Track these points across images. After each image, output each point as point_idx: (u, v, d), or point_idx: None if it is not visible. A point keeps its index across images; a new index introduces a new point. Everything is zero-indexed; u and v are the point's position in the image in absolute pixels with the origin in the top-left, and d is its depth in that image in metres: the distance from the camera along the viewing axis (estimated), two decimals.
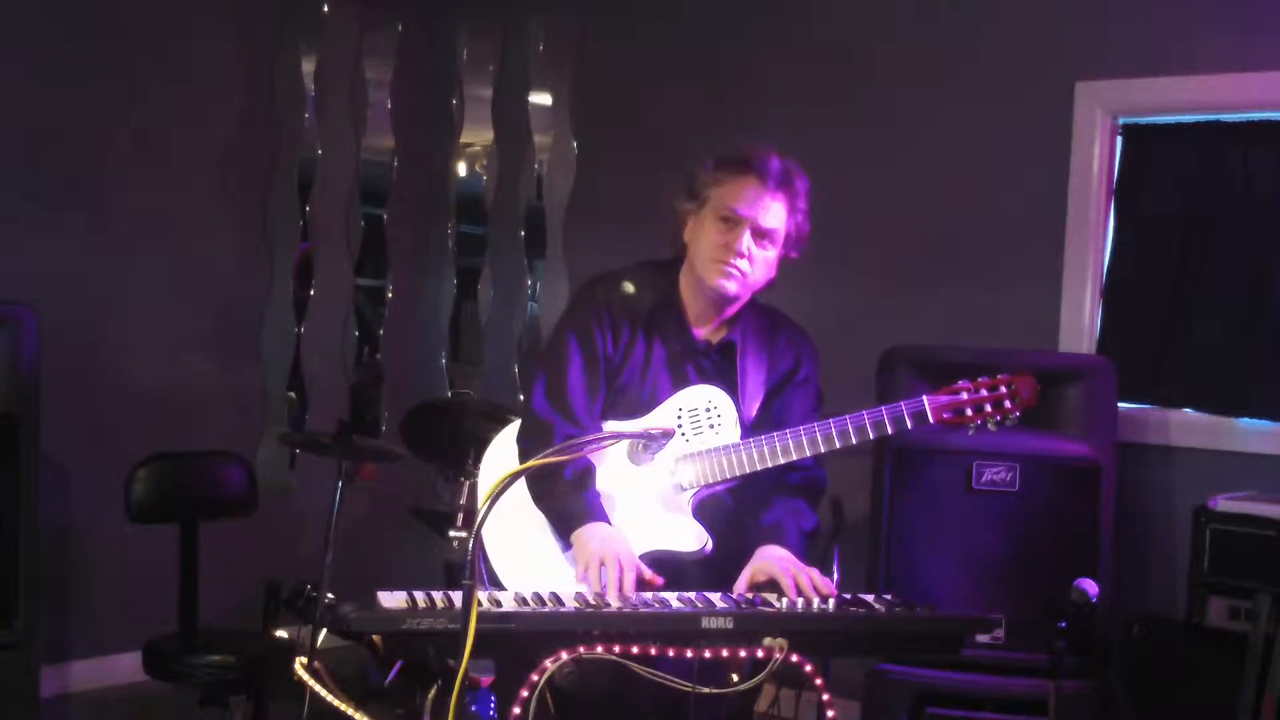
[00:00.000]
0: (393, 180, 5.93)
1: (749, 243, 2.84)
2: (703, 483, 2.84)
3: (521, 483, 2.85)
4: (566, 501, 2.81)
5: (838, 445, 2.79)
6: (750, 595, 2.69)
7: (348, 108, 5.76)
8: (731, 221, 2.84)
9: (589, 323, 2.93)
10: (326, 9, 5.63)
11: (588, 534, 2.74)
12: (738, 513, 2.93)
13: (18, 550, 3.96)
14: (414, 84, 5.97)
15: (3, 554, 3.94)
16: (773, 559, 2.74)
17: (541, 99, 5.85)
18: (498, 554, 2.85)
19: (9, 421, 3.94)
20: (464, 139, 6.05)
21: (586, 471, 2.85)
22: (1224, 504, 3.85)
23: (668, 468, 2.87)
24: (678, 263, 2.99)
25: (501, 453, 3.05)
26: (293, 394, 5.67)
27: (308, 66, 5.57)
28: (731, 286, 2.87)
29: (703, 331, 2.96)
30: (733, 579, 2.75)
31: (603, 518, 2.78)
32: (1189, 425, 4.32)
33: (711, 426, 2.86)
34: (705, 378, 2.92)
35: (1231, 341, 4.23)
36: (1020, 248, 4.61)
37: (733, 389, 2.90)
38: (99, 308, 4.97)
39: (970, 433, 2.81)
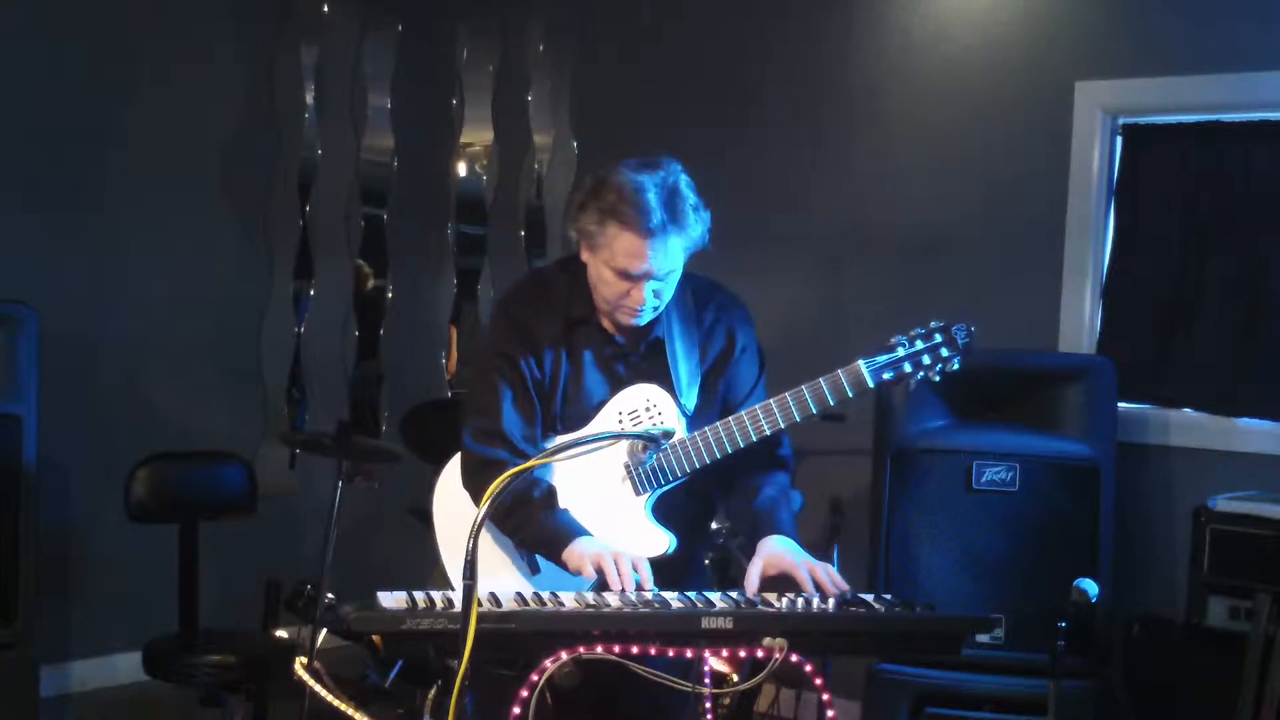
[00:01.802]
0: (393, 180, 5.94)
1: (650, 287, 2.72)
2: (654, 484, 2.78)
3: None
4: (545, 526, 2.75)
5: (781, 425, 2.71)
6: (751, 595, 2.69)
7: (348, 108, 5.76)
8: (626, 276, 2.70)
9: (510, 349, 2.83)
10: (326, 9, 5.63)
11: (581, 546, 2.69)
12: (694, 502, 2.88)
13: (18, 550, 3.96)
14: (414, 84, 5.97)
15: (3, 554, 3.94)
16: (783, 553, 2.71)
17: (541, 99, 5.85)
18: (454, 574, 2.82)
19: (9, 421, 3.94)
20: (464, 139, 6.05)
21: (552, 492, 2.80)
22: (1224, 504, 3.84)
23: (618, 475, 2.81)
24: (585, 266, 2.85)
25: (450, 487, 2.95)
26: (293, 394, 5.67)
27: (308, 67, 5.58)
28: (641, 322, 2.78)
29: (625, 332, 2.86)
30: (692, 573, 2.72)
31: (586, 532, 2.75)
32: (1189, 425, 4.32)
33: (654, 425, 2.78)
34: (638, 375, 2.84)
35: (1231, 341, 4.23)
36: (1020, 248, 4.61)
37: (668, 383, 2.82)
38: (99, 308, 4.97)
39: (912, 388, 2.76)
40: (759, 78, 5.19)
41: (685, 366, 2.84)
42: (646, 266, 2.69)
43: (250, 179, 5.45)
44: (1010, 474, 3.90)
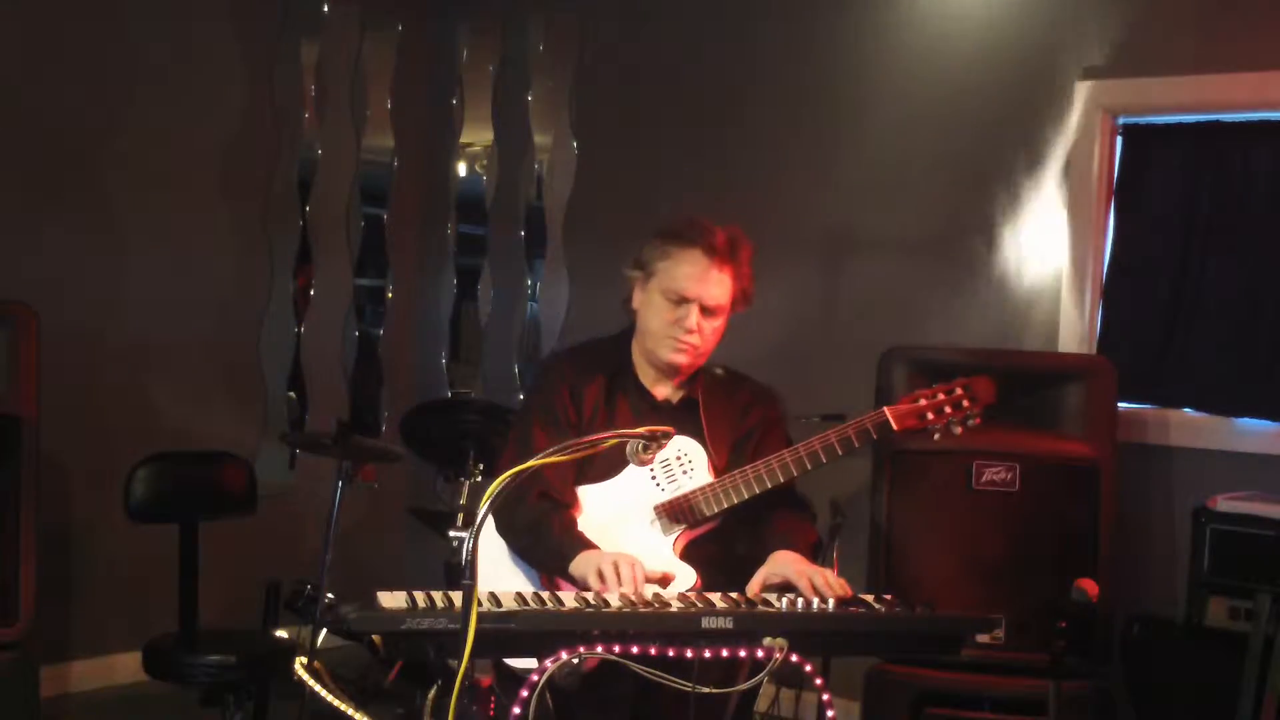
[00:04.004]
0: (393, 180, 5.94)
1: (698, 319, 2.90)
2: (684, 525, 2.89)
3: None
4: (557, 543, 2.83)
5: (809, 468, 2.86)
6: (751, 596, 2.70)
7: (348, 108, 5.76)
8: (680, 301, 2.90)
9: (550, 398, 2.99)
10: (326, 9, 5.63)
11: (586, 556, 2.77)
12: (722, 553, 2.97)
13: (18, 550, 3.96)
14: (414, 84, 5.97)
15: (3, 554, 3.94)
16: (786, 561, 2.78)
17: (541, 99, 5.85)
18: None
19: (9, 421, 3.94)
20: (464, 139, 6.05)
21: (571, 518, 2.89)
22: (1224, 504, 3.85)
23: (648, 517, 2.91)
24: (628, 332, 3.06)
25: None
26: (293, 394, 5.67)
27: (308, 67, 5.58)
28: (683, 359, 2.95)
29: (662, 392, 3.03)
30: None
31: (595, 546, 2.82)
32: (1189, 425, 4.32)
33: (685, 473, 2.92)
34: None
35: (1231, 341, 4.23)
36: (1020, 248, 4.60)
37: (700, 437, 2.95)
38: (99, 308, 4.97)
39: (935, 437, 2.92)
40: (758, 78, 5.19)
41: (717, 430, 2.98)
42: (700, 289, 2.88)
43: (250, 179, 5.44)
44: (1010, 474, 3.90)
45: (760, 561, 2.86)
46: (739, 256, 2.93)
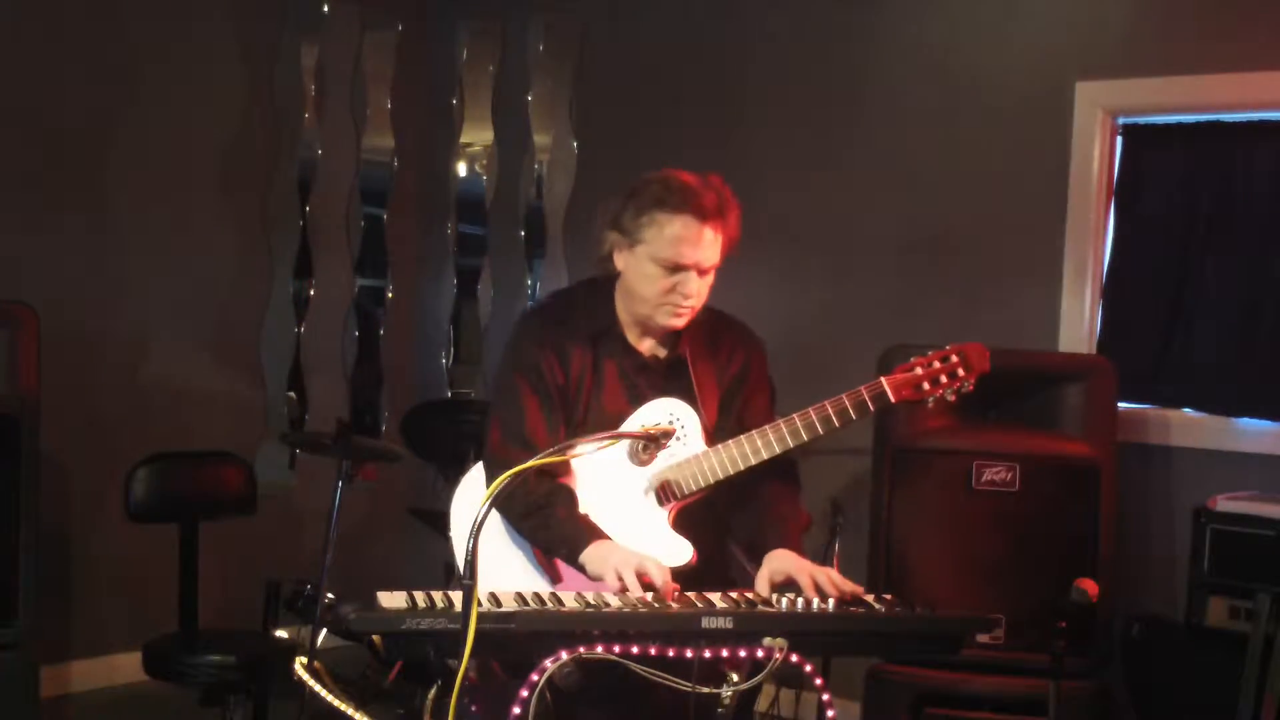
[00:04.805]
0: (393, 180, 5.94)
1: (694, 283, 2.82)
2: (678, 495, 2.84)
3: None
4: (564, 528, 2.79)
5: (805, 438, 2.79)
6: (750, 595, 2.69)
7: (348, 108, 5.76)
8: (675, 269, 2.80)
9: (535, 358, 2.89)
10: (326, 9, 5.64)
11: (604, 549, 2.72)
12: (717, 521, 2.93)
13: (18, 550, 3.96)
14: (414, 84, 5.97)
15: (3, 554, 3.94)
16: (788, 560, 2.75)
17: (541, 99, 5.85)
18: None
19: (9, 421, 3.94)
20: (464, 139, 6.05)
21: (572, 497, 2.84)
22: (1224, 504, 3.85)
23: (641, 485, 2.86)
24: (609, 285, 2.95)
25: (470, 495, 3.01)
26: (293, 394, 5.67)
27: (308, 67, 5.58)
28: (682, 323, 2.88)
29: (646, 346, 2.95)
30: (714, 586, 2.75)
31: (605, 536, 2.78)
32: (1189, 425, 4.32)
33: (678, 438, 2.84)
34: (660, 391, 2.90)
35: (1231, 341, 4.23)
36: (1020, 248, 4.61)
37: (691, 399, 2.89)
38: (99, 308, 4.97)
39: (930, 405, 2.88)
40: (759, 77, 5.19)
41: (706, 386, 2.91)
42: (694, 254, 2.78)
43: (250, 179, 5.45)
44: (1010, 474, 3.90)
45: (750, 531, 2.84)
46: (727, 213, 2.82)
